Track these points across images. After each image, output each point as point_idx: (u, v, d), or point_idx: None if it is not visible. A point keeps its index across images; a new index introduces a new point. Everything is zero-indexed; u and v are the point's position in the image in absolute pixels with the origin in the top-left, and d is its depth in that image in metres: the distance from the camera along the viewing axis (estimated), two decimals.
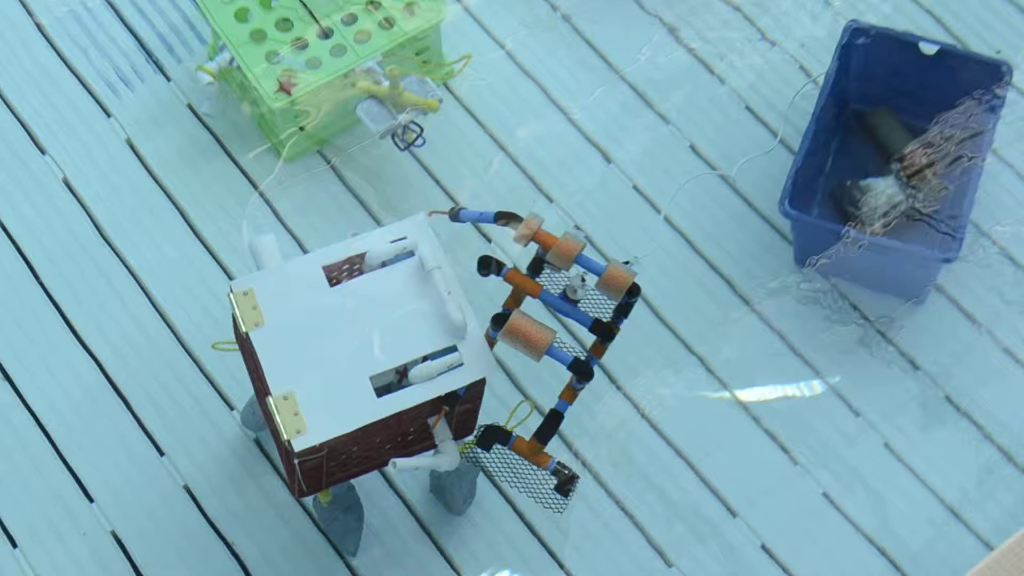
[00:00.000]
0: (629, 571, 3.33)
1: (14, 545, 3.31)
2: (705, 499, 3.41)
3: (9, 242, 3.67)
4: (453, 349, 2.86)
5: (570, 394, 2.94)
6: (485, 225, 3.68)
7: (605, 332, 2.96)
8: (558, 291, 3.00)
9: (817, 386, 3.55)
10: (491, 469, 3.03)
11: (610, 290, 2.92)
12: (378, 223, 3.69)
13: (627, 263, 2.97)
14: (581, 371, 2.90)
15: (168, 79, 3.91)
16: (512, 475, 3.05)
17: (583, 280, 2.97)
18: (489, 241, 3.71)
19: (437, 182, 3.77)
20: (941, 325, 3.61)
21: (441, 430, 2.95)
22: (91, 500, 3.37)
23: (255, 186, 3.74)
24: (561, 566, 3.34)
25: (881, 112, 3.77)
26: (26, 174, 3.75)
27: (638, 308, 3.44)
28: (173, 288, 3.61)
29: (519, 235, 2.98)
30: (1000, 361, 3.56)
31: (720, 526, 3.38)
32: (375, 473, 3.35)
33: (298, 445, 2.74)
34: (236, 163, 3.78)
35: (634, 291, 2.95)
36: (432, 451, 2.99)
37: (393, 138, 3.59)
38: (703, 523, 3.38)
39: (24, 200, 3.72)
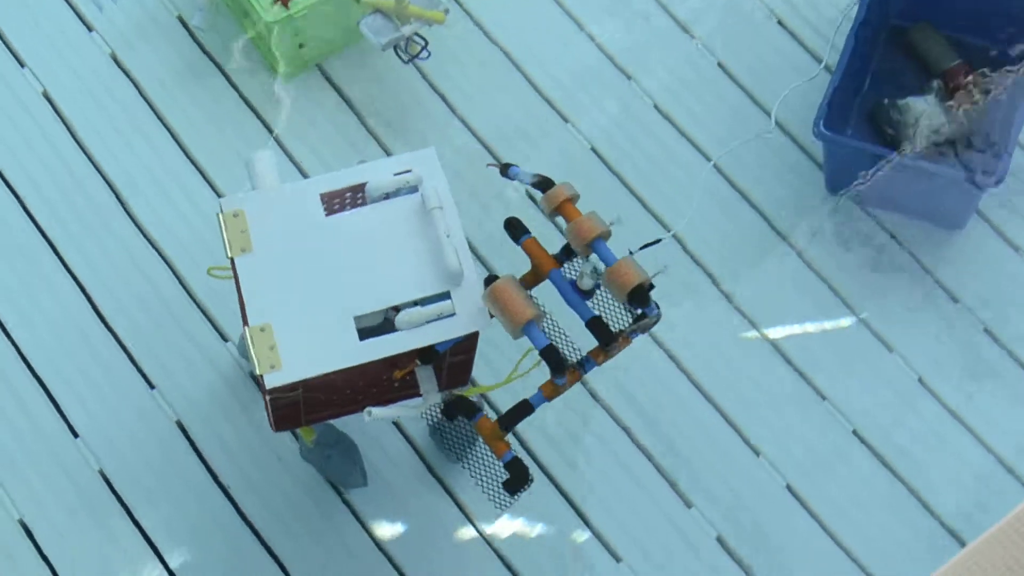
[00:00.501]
0: (649, 513, 3.25)
1: None
2: (729, 438, 3.33)
3: None
4: (446, 296, 2.75)
5: (549, 388, 2.76)
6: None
7: (601, 334, 2.71)
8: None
9: (848, 320, 3.46)
10: (447, 441, 2.96)
11: (613, 287, 2.68)
12: (380, 144, 3.59)
13: (656, 274, 2.75)
14: (549, 359, 2.68)
15: None
16: (467, 453, 2.98)
17: (595, 271, 2.75)
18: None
19: (443, 99, 3.68)
20: (982, 255, 3.51)
21: (426, 379, 2.84)
22: (76, 436, 3.26)
23: (249, 105, 3.63)
24: (576, 509, 3.26)
25: (922, 27, 3.64)
26: (4, 86, 3.64)
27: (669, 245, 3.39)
28: (162, 212, 3.50)
29: (543, 202, 2.80)
30: None
31: (744, 465, 3.30)
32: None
33: (270, 381, 2.66)
34: (229, 80, 3.67)
35: (639, 297, 2.67)
36: (414, 400, 2.88)
37: (396, 51, 3.49)
38: (726, 462, 3.30)
39: (3, 118, 3.60)
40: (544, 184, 2.81)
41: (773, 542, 3.21)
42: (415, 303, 2.74)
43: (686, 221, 3.52)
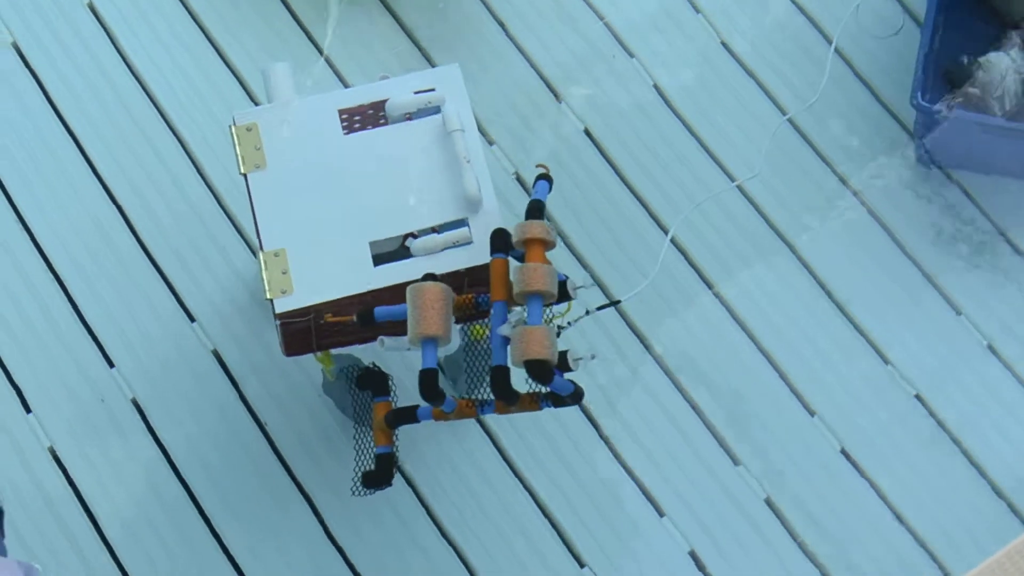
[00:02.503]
0: (692, 466, 3.19)
1: (28, 410, 3.16)
2: (784, 397, 3.24)
3: (29, 75, 3.47)
4: (464, 223, 2.68)
5: (437, 411, 2.67)
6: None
7: (498, 384, 2.54)
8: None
9: (921, 285, 3.36)
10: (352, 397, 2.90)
11: (513, 350, 2.49)
12: (431, 65, 3.49)
13: (580, 359, 2.57)
14: (423, 383, 2.54)
15: None
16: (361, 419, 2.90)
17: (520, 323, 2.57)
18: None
19: (502, 27, 3.56)
20: None
21: None
22: (112, 365, 3.20)
23: (300, 25, 3.53)
24: (621, 462, 3.18)
25: None
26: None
27: (734, 199, 3.28)
28: (206, 133, 3.42)
29: (514, 229, 2.60)
30: None
31: (798, 426, 3.21)
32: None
33: (280, 306, 2.62)
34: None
35: (535, 371, 2.48)
36: None
37: None
38: (779, 422, 3.22)
39: (44, 27, 3.51)
40: (534, 211, 2.63)
41: (823, 506, 3.13)
42: (432, 230, 2.69)
43: (756, 174, 3.41)
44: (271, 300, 2.62)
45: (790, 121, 3.47)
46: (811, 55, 3.54)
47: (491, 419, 3.15)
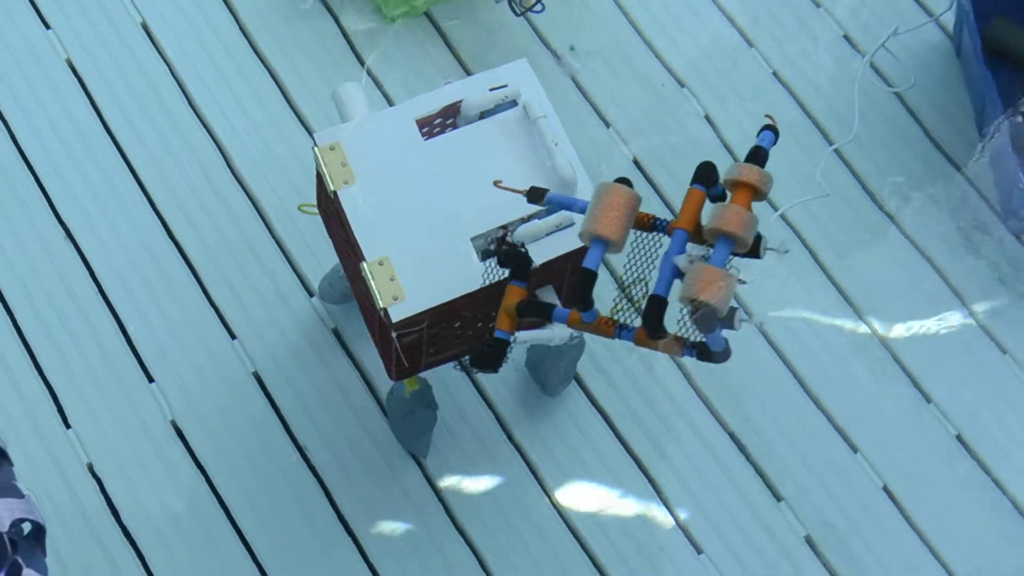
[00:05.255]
0: (733, 501, 3.16)
1: (68, 425, 3.16)
2: (826, 433, 3.22)
3: (81, 91, 3.47)
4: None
5: (574, 315, 2.52)
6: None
7: (651, 314, 2.42)
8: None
9: (962, 317, 3.34)
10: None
11: (684, 287, 2.36)
12: None
13: (742, 320, 2.44)
14: (581, 283, 2.42)
15: None
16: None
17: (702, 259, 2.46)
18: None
19: (554, 56, 3.56)
20: None
21: (550, 300, 2.77)
22: (151, 381, 3.20)
23: (353, 47, 3.53)
24: (656, 488, 3.16)
25: (998, 23, 3.42)
26: (103, 16, 3.55)
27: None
28: (255, 154, 3.42)
29: (729, 170, 2.49)
30: None
31: (840, 463, 3.20)
32: (460, 371, 3.21)
33: (396, 314, 2.60)
34: (335, 18, 3.57)
35: (701, 316, 2.35)
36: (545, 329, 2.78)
37: (510, 3, 3.41)
38: (821, 458, 3.20)
39: (99, 45, 3.52)
40: (756, 156, 2.49)
41: (864, 544, 3.11)
42: (530, 219, 2.69)
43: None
44: (384, 310, 2.60)
45: (836, 151, 3.47)
46: (866, 92, 3.54)
47: (537, 452, 3.16)
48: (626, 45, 3.56)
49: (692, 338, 2.48)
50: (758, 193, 2.43)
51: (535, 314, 2.57)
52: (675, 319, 2.43)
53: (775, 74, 3.56)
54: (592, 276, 2.44)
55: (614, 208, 2.44)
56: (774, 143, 2.51)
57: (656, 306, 2.40)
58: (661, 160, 3.43)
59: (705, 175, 2.48)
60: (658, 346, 2.50)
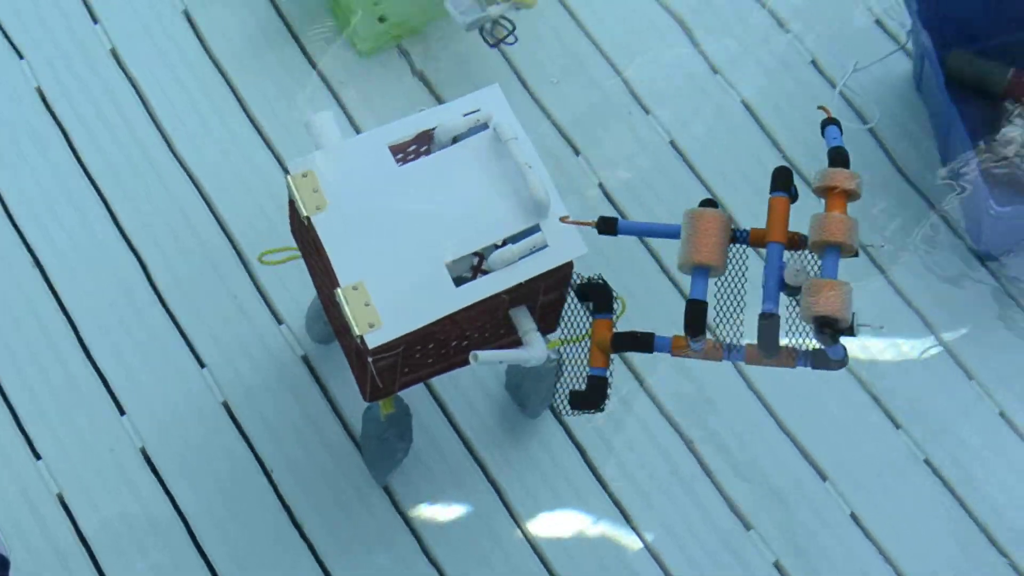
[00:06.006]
0: (702, 530, 3.16)
1: (38, 456, 3.15)
2: (793, 459, 3.22)
3: (49, 117, 3.47)
4: (536, 230, 2.69)
5: (680, 342, 2.52)
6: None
7: (765, 333, 2.44)
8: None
9: (929, 344, 3.35)
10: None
11: (805, 300, 2.38)
12: None
13: (864, 325, 2.45)
14: (690, 314, 2.42)
15: None
16: (567, 335, 2.75)
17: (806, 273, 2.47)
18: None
19: (525, 86, 3.58)
20: None
21: (525, 320, 2.78)
22: (121, 410, 3.20)
23: (324, 78, 3.55)
24: (625, 515, 3.17)
25: (955, 56, 3.47)
26: (72, 43, 3.55)
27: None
28: (226, 183, 3.42)
29: (817, 176, 2.52)
30: None
31: (808, 490, 3.20)
32: (427, 396, 3.21)
33: (372, 341, 2.60)
34: (304, 51, 3.58)
35: (822, 328, 2.37)
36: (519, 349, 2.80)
37: (482, 33, 3.40)
38: (790, 485, 3.20)
39: (70, 74, 3.52)
40: (838, 158, 2.53)
41: (833, 570, 3.13)
42: (504, 242, 2.70)
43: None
44: (360, 337, 2.60)
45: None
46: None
47: (506, 478, 3.17)
48: (596, 74, 3.59)
49: (806, 348, 2.50)
50: (852, 195, 2.47)
51: (633, 346, 2.59)
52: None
53: (743, 102, 3.58)
54: (703, 307, 2.45)
55: (710, 233, 2.47)
56: (841, 134, 2.55)
57: (772, 324, 2.43)
58: (631, 189, 3.45)
59: (786, 181, 2.51)
60: (770, 362, 2.52)
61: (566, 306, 2.83)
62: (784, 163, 3.43)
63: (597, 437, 3.19)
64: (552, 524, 3.13)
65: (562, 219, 2.69)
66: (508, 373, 3.20)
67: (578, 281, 2.71)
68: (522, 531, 3.12)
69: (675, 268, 3.30)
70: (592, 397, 2.59)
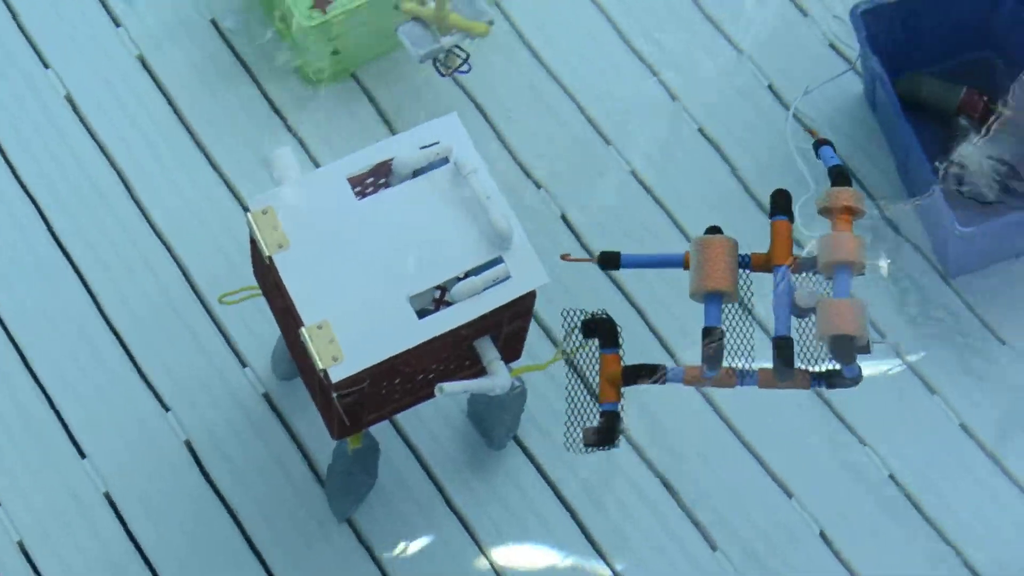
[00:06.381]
0: (671, 551, 3.16)
1: None
2: (760, 479, 3.23)
3: (4, 164, 3.47)
4: (498, 261, 2.69)
5: (693, 372, 2.54)
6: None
7: (781, 356, 2.46)
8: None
9: (892, 361, 3.35)
10: (567, 354, 2.76)
11: (821, 321, 2.41)
12: None
13: (878, 342, 2.54)
14: (709, 340, 2.44)
15: None
16: (574, 374, 2.75)
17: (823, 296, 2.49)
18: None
19: (483, 114, 3.58)
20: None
21: (488, 350, 2.78)
22: (82, 454, 3.19)
23: (278, 112, 3.55)
24: (593, 544, 3.16)
25: (907, 78, 3.50)
26: (27, 89, 3.55)
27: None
28: (185, 223, 3.41)
29: (821, 196, 2.55)
30: None
31: (775, 509, 3.20)
32: (389, 429, 3.22)
33: (336, 375, 2.59)
34: (260, 87, 3.58)
35: (840, 348, 2.39)
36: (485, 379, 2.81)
37: (435, 63, 3.40)
38: (756, 504, 3.20)
39: (24, 119, 3.51)
40: (839, 177, 2.57)
41: None
42: (467, 275, 2.69)
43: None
44: (324, 371, 2.60)
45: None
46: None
47: (472, 510, 3.16)
48: (552, 102, 3.59)
49: (813, 371, 2.51)
50: (857, 213, 2.50)
51: (645, 379, 2.59)
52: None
53: (700, 130, 3.59)
54: (721, 333, 2.47)
55: (719, 259, 2.49)
56: (835, 152, 2.60)
57: (787, 347, 2.45)
58: (591, 217, 3.45)
59: (786, 205, 2.53)
60: (786, 385, 2.53)
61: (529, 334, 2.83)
62: (743, 187, 3.48)
63: (564, 467, 3.19)
64: (520, 556, 3.12)
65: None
66: (470, 403, 3.19)
67: (582, 317, 2.71)
68: (490, 563, 3.11)
69: (638, 296, 3.34)
70: (606, 432, 2.59)
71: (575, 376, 2.77)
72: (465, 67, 3.39)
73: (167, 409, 3.21)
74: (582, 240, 3.41)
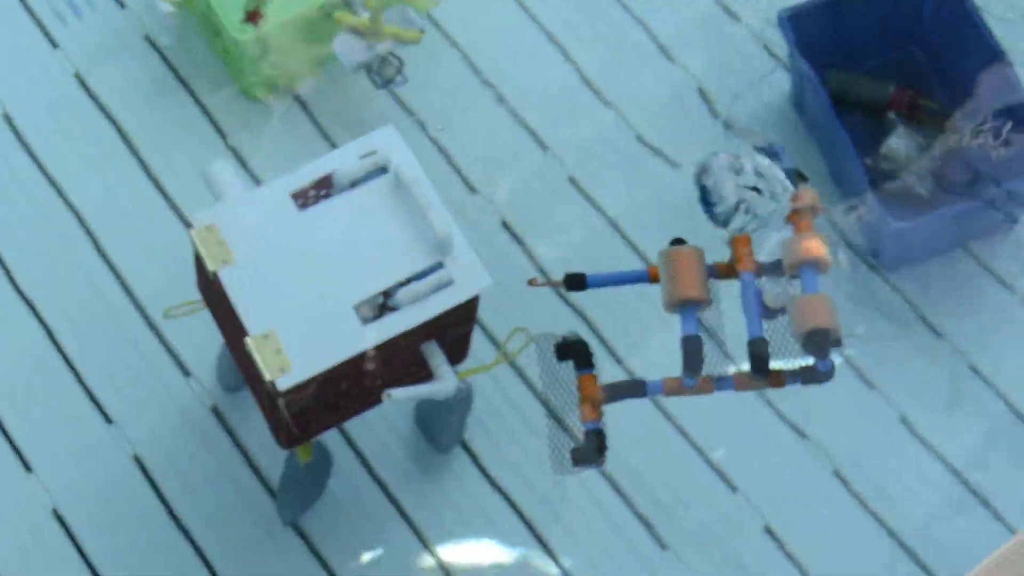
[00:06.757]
0: (619, 551, 3.17)
1: None
2: (703, 474, 3.24)
3: None
4: (440, 266, 2.72)
5: (672, 384, 2.56)
6: None
7: (757, 359, 2.51)
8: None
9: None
10: (542, 380, 2.76)
11: (795, 319, 2.47)
12: None
13: (849, 336, 2.61)
14: (688, 352, 2.48)
15: (122, 5, 3.69)
16: (553, 397, 2.75)
17: (792, 296, 2.55)
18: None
19: (420, 125, 3.59)
20: (964, 287, 3.45)
21: (435, 355, 2.81)
22: (30, 471, 3.17)
23: (218, 127, 3.55)
24: (540, 539, 3.17)
25: (834, 75, 3.55)
26: None
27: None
28: (126, 239, 3.41)
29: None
30: None
31: (720, 504, 3.21)
32: (336, 435, 3.22)
33: (283, 384, 2.61)
34: (198, 102, 3.58)
35: (815, 342, 2.45)
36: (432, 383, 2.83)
37: (370, 74, 3.42)
38: (701, 500, 3.22)
39: None
40: (800, 177, 2.65)
41: None
42: (409, 280, 2.72)
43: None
44: (272, 382, 2.61)
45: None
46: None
47: (421, 514, 3.16)
48: (486, 109, 3.60)
49: (788, 370, 2.56)
50: (818, 212, 2.56)
51: (625, 395, 2.63)
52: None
53: (639, 138, 3.60)
54: (699, 342, 2.51)
55: (689, 268, 2.53)
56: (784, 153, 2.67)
57: (761, 349, 2.50)
58: (533, 225, 3.47)
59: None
60: (762, 385, 2.57)
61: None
62: (677, 192, 3.52)
63: (510, 470, 3.20)
64: (469, 555, 3.13)
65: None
66: (417, 409, 3.21)
67: (554, 342, 2.74)
68: (439, 563, 3.12)
69: (575, 296, 3.36)
70: (592, 450, 2.63)
71: (550, 399, 2.81)
72: (400, 78, 3.41)
73: (111, 422, 3.20)
74: (524, 245, 3.43)
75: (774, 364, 2.56)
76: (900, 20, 3.58)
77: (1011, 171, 3.35)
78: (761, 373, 2.52)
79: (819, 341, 2.47)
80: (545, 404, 2.82)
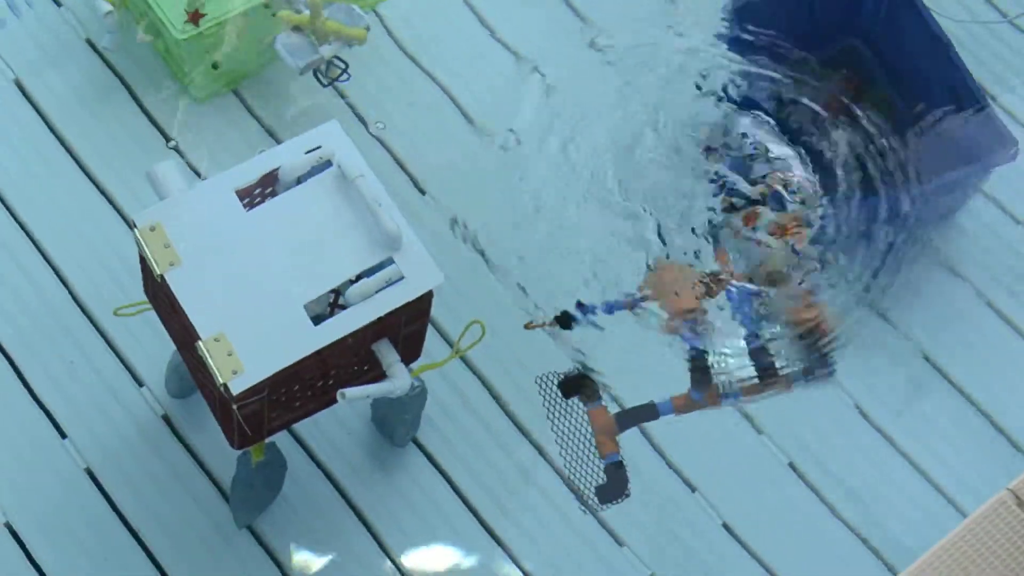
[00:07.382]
0: (577, 550, 3.15)
1: None
2: (661, 473, 3.21)
3: None
4: (390, 263, 2.70)
5: (682, 401, 2.60)
6: None
7: (762, 365, 2.58)
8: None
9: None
10: (554, 422, 2.78)
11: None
12: None
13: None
14: (696, 367, 2.55)
15: (59, 5, 3.65)
16: (567, 438, 2.79)
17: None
18: None
19: (364, 124, 3.58)
20: (922, 279, 3.46)
21: (388, 353, 2.79)
22: None
23: (160, 128, 3.52)
24: (499, 542, 3.17)
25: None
26: None
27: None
28: (71, 246, 3.38)
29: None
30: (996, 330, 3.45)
31: (678, 502, 3.21)
32: (287, 437, 3.20)
33: (236, 387, 2.59)
34: (140, 105, 3.55)
35: (809, 338, 2.53)
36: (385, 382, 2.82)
37: (316, 74, 3.41)
38: (659, 498, 3.20)
39: None
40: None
41: None
42: (359, 277, 2.70)
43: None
44: (224, 385, 2.58)
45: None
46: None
47: (378, 516, 3.15)
48: (435, 109, 3.60)
49: (794, 372, 2.61)
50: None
51: (638, 420, 2.64)
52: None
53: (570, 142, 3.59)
54: (705, 355, 2.55)
55: (684, 280, 2.60)
56: None
57: (764, 354, 2.54)
58: (483, 224, 3.46)
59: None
60: (770, 390, 2.59)
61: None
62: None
63: (462, 467, 3.19)
64: (425, 557, 3.13)
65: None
66: (373, 406, 3.19)
67: (557, 381, 2.73)
68: (395, 565, 3.11)
69: (533, 293, 3.35)
70: (617, 484, 2.65)
71: (563, 440, 2.83)
72: (345, 76, 3.40)
73: (64, 436, 3.17)
74: (478, 245, 3.42)
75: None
76: (840, 13, 3.60)
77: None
78: (769, 376, 2.56)
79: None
80: (562, 448, 2.83)
